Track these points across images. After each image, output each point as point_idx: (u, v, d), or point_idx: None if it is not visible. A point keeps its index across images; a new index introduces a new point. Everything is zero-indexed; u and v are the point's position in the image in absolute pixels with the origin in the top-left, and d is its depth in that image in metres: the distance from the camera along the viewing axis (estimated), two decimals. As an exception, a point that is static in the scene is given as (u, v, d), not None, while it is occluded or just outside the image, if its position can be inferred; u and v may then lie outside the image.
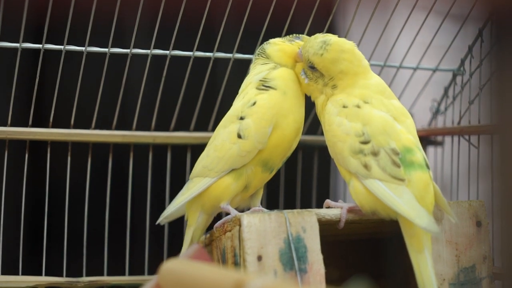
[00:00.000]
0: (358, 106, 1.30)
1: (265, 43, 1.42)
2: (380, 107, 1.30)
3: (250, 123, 1.33)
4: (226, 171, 1.34)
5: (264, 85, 1.35)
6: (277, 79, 1.36)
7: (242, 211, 1.35)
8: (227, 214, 1.33)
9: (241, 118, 1.34)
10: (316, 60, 1.32)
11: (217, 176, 1.35)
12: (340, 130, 1.29)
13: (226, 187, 1.34)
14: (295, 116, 1.35)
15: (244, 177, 1.34)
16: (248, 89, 1.37)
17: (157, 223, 1.43)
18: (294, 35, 1.41)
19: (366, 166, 1.26)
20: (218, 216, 1.43)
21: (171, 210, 1.39)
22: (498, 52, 0.90)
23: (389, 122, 1.29)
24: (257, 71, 1.39)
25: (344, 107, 1.30)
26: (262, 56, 1.40)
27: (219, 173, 1.34)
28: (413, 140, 1.29)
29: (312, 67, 1.33)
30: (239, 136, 1.33)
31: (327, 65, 1.32)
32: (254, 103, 1.34)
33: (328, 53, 1.31)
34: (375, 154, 1.26)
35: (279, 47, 1.39)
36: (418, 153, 1.27)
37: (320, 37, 1.33)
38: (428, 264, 1.23)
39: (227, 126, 1.36)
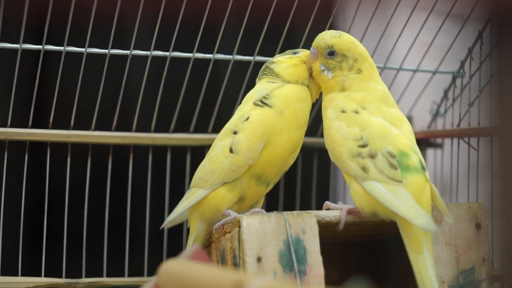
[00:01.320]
0: (356, 112, 1.31)
1: (268, 62, 1.41)
2: (376, 114, 1.31)
3: (242, 138, 1.34)
4: (219, 184, 1.35)
5: (262, 101, 1.35)
6: (277, 97, 1.35)
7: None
8: None
9: (235, 133, 1.35)
10: (336, 41, 1.33)
11: (211, 188, 1.35)
12: (339, 134, 1.30)
13: (223, 197, 1.35)
14: (291, 135, 1.35)
15: (238, 189, 1.35)
16: (247, 103, 1.38)
17: (161, 227, 1.43)
18: (290, 51, 1.41)
19: (364, 169, 1.27)
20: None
21: (172, 217, 1.40)
22: (498, 52, 0.90)
23: (386, 127, 1.30)
24: (262, 86, 1.39)
25: (342, 112, 1.31)
26: (271, 75, 1.40)
27: (212, 186, 1.35)
28: (409, 144, 1.29)
29: (332, 53, 1.33)
30: (231, 151, 1.34)
31: (348, 45, 1.33)
32: (247, 118, 1.34)
33: (345, 36, 1.34)
34: (372, 156, 1.27)
35: (286, 63, 1.39)
36: (414, 157, 1.28)
37: (330, 30, 1.36)
38: (428, 265, 1.23)
39: (223, 139, 1.37)
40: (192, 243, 1.38)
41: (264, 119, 1.34)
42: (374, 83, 1.34)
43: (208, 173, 1.36)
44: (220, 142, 1.37)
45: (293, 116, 1.35)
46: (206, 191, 1.36)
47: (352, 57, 1.33)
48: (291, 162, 1.38)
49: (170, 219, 1.41)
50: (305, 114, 1.37)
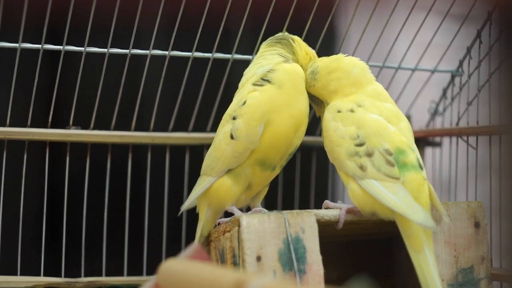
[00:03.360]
0: (352, 110, 1.31)
1: (289, 37, 1.41)
2: (372, 110, 1.31)
3: (241, 124, 1.33)
4: (224, 171, 1.35)
5: (263, 79, 1.35)
6: (279, 72, 1.35)
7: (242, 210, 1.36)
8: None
9: (234, 118, 1.35)
10: (312, 91, 1.38)
11: (217, 176, 1.36)
12: (336, 135, 1.31)
13: (228, 189, 1.35)
14: (292, 111, 1.34)
15: (243, 177, 1.34)
16: (246, 85, 1.37)
17: (179, 213, 1.44)
18: None
19: (361, 167, 1.27)
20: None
21: (187, 204, 1.40)
22: (500, 51, 0.90)
23: (382, 124, 1.30)
24: (266, 62, 1.38)
25: (338, 112, 1.32)
26: (286, 48, 1.39)
27: (218, 173, 1.36)
28: (406, 142, 1.29)
29: (312, 97, 1.39)
30: (232, 137, 1.34)
31: (320, 92, 1.37)
32: (245, 103, 1.34)
33: (317, 81, 1.36)
34: (369, 155, 1.27)
35: (306, 50, 1.41)
36: (411, 154, 1.28)
37: (309, 68, 1.39)
38: (429, 263, 1.23)
39: (224, 125, 1.37)
40: (201, 229, 1.38)
41: (261, 100, 1.33)
42: (360, 89, 1.35)
43: (213, 161, 1.36)
44: (222, 129, 1.37)
45: (294, 90, 1.35)
46: (213, 178, 1.36)
47: (327, 99, 1.36)
48: (297, 142, 1.36)
49: (186, 206, 1.40)
50: (305, 89, 1.37)
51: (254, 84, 1.35)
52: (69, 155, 1.50)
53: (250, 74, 1.38)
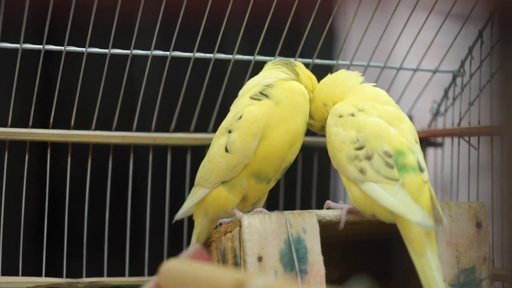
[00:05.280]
0: (353, 115, 1.31)
1: (291, 61, 1.42)
2: (373, 113, 1.31)
3: (236, 138, 1.33)
4: (218, 183, 1.36)
5: (261, 92, 1.35)
6: (277, 88, 1.35)
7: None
8: None
9: (229, 131, 1.35)
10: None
11: (211, 187, 1.36)
12: (337, 140, 1.31)
13: (225, 199, 1.35)
14: (288, 127, 1.33)
15: (239, 189, 1.35)
16: (244, 97, 1.37)
17: (173, 221, 1.45)
18: None
19: (361, 171, 1.27)
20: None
21: (180, 213, 1.42)
22: (499, 51, 0.90)
23: (382, 127, 1.30)
24: (271, 75, 1.38)
25: (340, 116, 1.32)
26: (287, 68, 1.40)
27: (212, 184, 1.36)
28: (406, 143, 1.29)
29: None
30: (227, 150, 1.34)
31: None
32: (241, 117, 1.34)
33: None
34: (369, 158, 1.27)
35: (307, 74, 1.42)
36: (411, 156, 1.28)
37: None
38: (432, 267, 1.23)
39: (220, 137, 1.37)
40: (197, 237, 1.39)
41: (257, 115, 1.33)
42: (361, 89, 1.36)
43: (207, 172, 1.37)
44: (218, 141, 1.37)
45: (291, 105, 1.34)
46: (207, 190, 1.36)
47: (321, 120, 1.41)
48: (291, 158, 1.36)
49: (179, 216, 1.42)
50: (305, 106, 1.36)
51: (252, 98, 1.35)
52: (70, 155, 1.50)
53: (252, 84, 1.38)
